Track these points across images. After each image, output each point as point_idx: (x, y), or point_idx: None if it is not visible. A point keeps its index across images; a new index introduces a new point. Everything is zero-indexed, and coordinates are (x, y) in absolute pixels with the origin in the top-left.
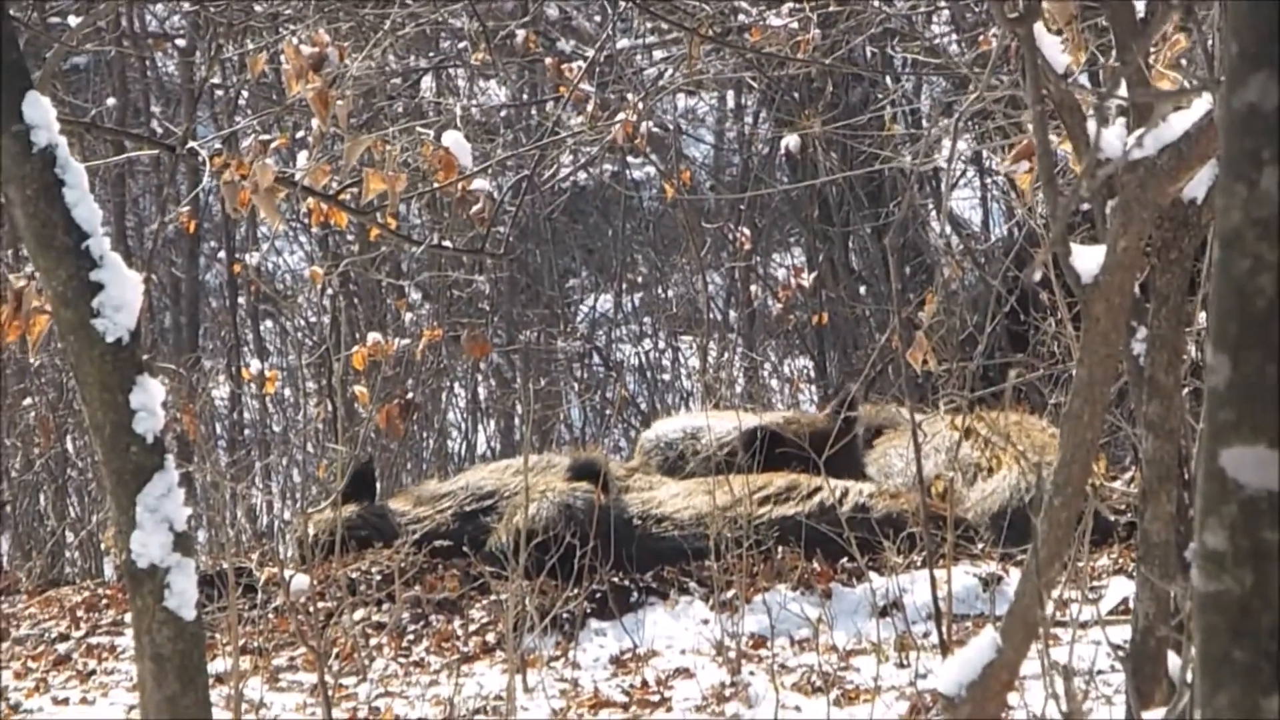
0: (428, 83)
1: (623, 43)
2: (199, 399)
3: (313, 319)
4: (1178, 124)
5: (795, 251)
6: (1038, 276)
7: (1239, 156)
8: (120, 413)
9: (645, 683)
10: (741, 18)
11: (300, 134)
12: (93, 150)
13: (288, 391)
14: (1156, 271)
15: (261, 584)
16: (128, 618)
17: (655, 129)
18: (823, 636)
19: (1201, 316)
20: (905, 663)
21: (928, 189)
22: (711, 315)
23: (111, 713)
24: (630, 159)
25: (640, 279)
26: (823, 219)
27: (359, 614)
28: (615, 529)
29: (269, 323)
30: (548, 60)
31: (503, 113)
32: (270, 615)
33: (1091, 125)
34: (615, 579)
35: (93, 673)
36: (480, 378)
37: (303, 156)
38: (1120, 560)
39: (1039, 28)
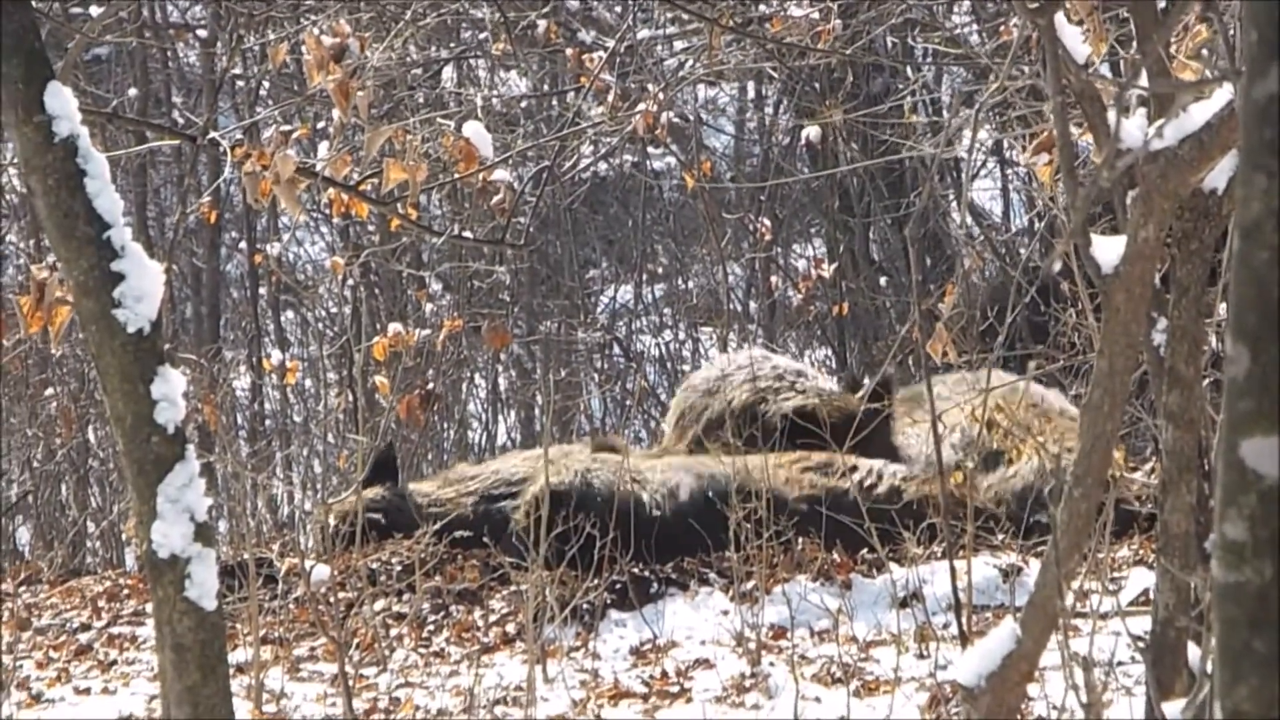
0: (448, 73)
1: (643, 33)
2: (220, 389)
3: (333, 309)
4: (1198, 114)
5: (816, 242)
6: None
7: (1259, 147)
8: (141, 403)
9: (665, 673)
10: (762, 8)
11: (321, 124)
12: (114, 141)
13: (308, 382)
14: (1177, 262)
15: (282, 574)
16: (149, 608)
17: (676, 119)
18: (843, 627)
19: (1222, 307)
20: (925, 654)
21: (948, 179)
22: (732, 306)
23: (133, 703)
24: (651, 149)
25: (660, 270)
26: (843, 209)
27: (379, 604)
28: (635, 509)
29: (290, 313)
30: (568, 51)
31: (523, 103)
32: (291, 605)
33: (1112, 115)
34: (635, 569)
35: (114, 663)
36: (501, 368)
37: (324, 147)
38: (1140, 551)
39: (1060, 18)
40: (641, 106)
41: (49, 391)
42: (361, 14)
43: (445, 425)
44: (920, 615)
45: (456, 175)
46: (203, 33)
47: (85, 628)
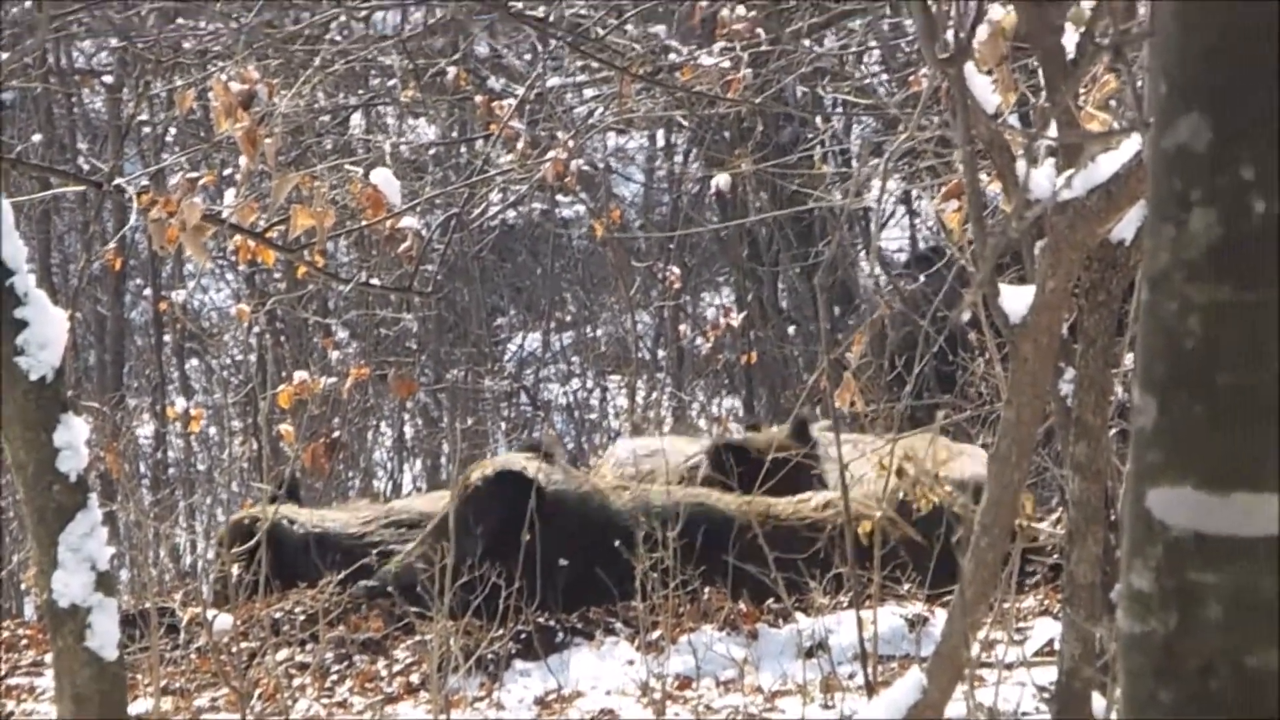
0: (357, 120)
1: (553, 81)
2: (123, 437)
3: (239, 357)
4: (1106, 165)
5: (724, 291)
6: (967, 317)
7: (1167, 198)
8: (43, 451)
9: None
10: (672, 57)
11: (228, 171)
12: (18, 186)
13: (213, 430)
14: (1084, 312)
15: (184, 624)
16: (48, 658)
17: (585, 167)
18: (748, 678)
19: (1129, 358)
20: (830, 704)
21: (857, 228)
22: (640, 354)
23: None
24: (560, 197)
25: (569, 318)
26: (752, 258)
27: (282, 654)
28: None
29: (194, 361)
30: (478, 98)
31: (432, 150)
32: (193, 655)
33: (1021, 166)
34: (540, 619)
35: (11, 714)
36: (407, 416)
37: (230, 194)
38: (1046, 601)
39: (969, 68)
40: (551, 154)
41: None
42: (269, 61)
43: (350, 474)
44: (826, 665)
45: (364, 222)
46: (109, 78)
47: None
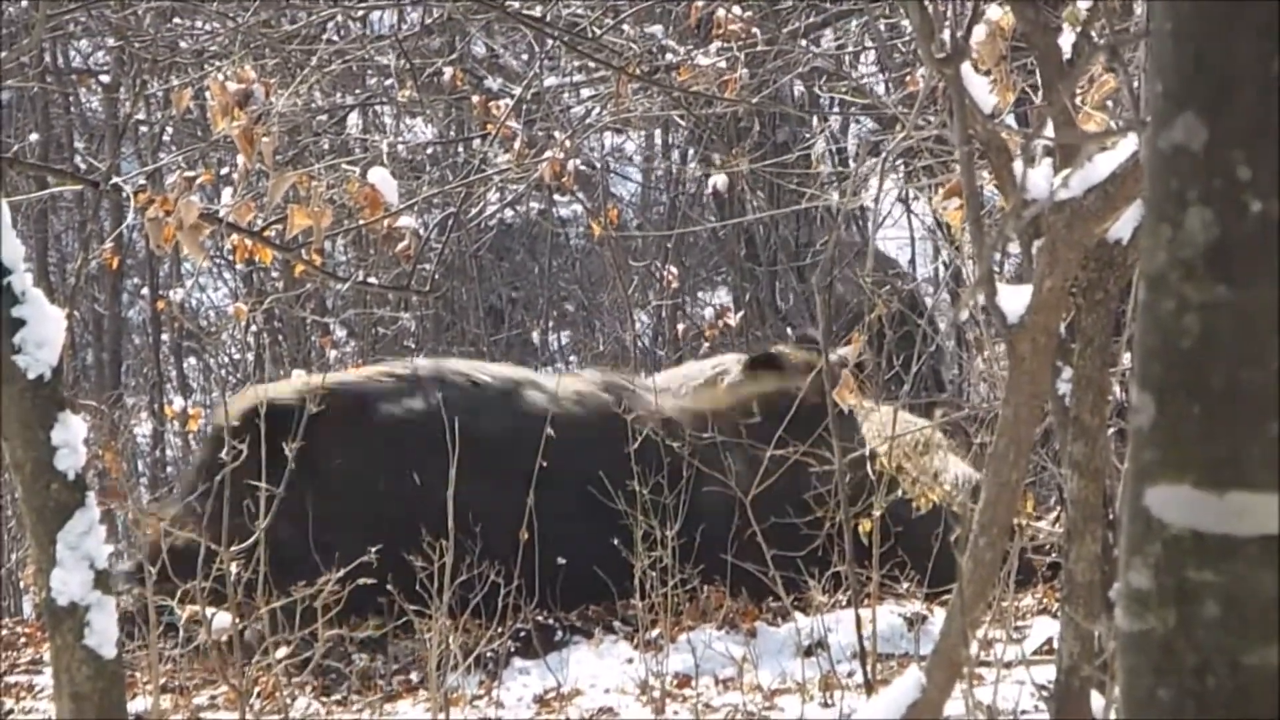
0: (354, 119)
1: (550, 81)
2: (121, 436)
3: (236, 356)
4: (1104, 165)
5: (722, 290)
6: (964, 316)
7: (1164, 197)
8: (41, 450)
9: None
10: (669, 56)
11: (225, 170)
12: (15, 186)
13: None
14: (1082, 312)
15: (183, 622)
16: (46, 656)
17: (582, 167)
18: (747, 676)
19: (1126, 357)
20: (830, 702)
21: (854, 228)
22: (638, 353)
23: None
24: (557, 197)
25: (567, 317)
26: (750, 258)
27: (281, 652)
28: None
29: (192, 360)
30: (475, 98)
31: (429, 150)
32: (191, 653)
33: (1018, 165)
34: (539, 617)
35: (10, 712)
36: None
37: (227, 193)
38: (1045, 600)
39: (967, 68)
40: (548, 154)
41: None
42: (266, 60)
43: None
44: (825, 663)
45: (361, 221)
46: (106, 78)
47: None
